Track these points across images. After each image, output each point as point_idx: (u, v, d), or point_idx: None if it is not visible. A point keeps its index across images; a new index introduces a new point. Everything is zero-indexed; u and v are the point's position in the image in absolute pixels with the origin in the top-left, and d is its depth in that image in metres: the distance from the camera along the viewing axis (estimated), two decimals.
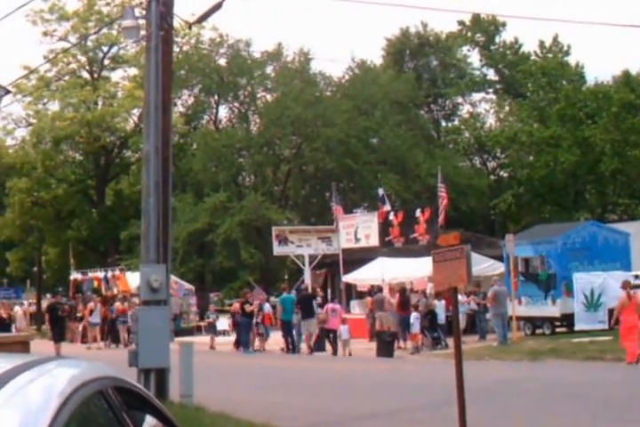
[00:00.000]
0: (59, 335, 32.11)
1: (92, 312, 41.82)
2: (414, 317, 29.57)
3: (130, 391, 3.49)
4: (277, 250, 42.75)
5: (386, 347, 29.10)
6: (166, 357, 12.72)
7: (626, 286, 23.34)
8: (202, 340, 38.44)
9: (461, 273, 8.80)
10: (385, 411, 15.45)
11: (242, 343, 33.27)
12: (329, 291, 50.65)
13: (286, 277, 58.17)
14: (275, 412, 15.32)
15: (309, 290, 37.06)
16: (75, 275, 49.76)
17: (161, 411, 3.86)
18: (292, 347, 32.15)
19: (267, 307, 35.09)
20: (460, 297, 27.79)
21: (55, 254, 61.40)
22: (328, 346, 31.37)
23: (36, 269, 62.69)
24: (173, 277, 46.45)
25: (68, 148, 57.93)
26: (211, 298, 64.34)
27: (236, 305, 35.45)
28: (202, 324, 45.90)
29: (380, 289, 34.19)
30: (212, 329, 37.42)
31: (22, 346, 10.97)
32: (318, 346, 31.65)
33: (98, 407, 2.99)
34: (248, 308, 33.38)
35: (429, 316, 30.01)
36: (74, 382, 2.78)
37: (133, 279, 44.57)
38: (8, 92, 10.91)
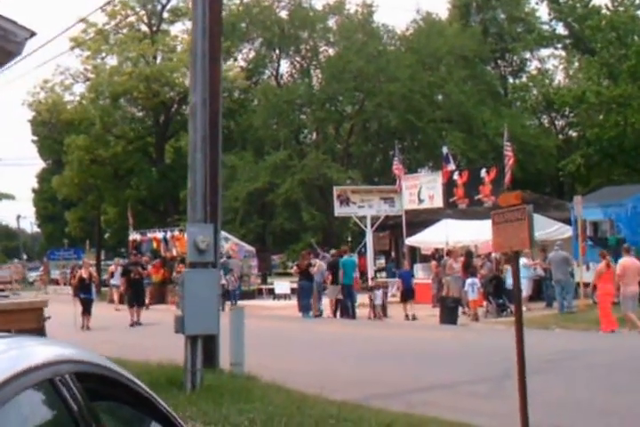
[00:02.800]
0: (134, 299, 31.44)
1: (112, 274, 43.29)
2: (471, 282, 29.09)
3: (104, 378, 3.04)
4: (339, 211, 42.27)
5: (449, 313, 28.69)
6: (214, 323, 12.39)
7: (604, 255, 24.82)
8: (263, 304, 38.52)
9: (523, 236, 8.34)
10: (443, 383, 15.11)
11: (302, 307, 33.00)
12: (392, 254, 50.47)
13: (349, 239, 57.81)
14: (328, 382, 15.06)
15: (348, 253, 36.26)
16: (133, 235, 49.63)
17: (152, 403, 3.29)
18: (351, 312, 31.83)
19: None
20: (524, 261, 27.30)
21: (114, 214, 61.61)
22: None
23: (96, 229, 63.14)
24: (233, 239, 46.70)
25: (127, 104, 57.54)
26: (273, 260, 64.46)
27: (296, 268, 35.17)
28: (263, 287, 45.98)
29: (447, 253, 33.79)
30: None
31: (34, 313, 10.65)
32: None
33: (43, 399, 2.61)
34: (313, 270, 33.06)
35: (494, 281, 29.48)
36: (8, 370, 2.42)
37: None
38: (33, 34, 10.52)
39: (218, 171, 14.37)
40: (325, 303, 33.24)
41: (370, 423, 9.90)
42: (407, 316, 30.29)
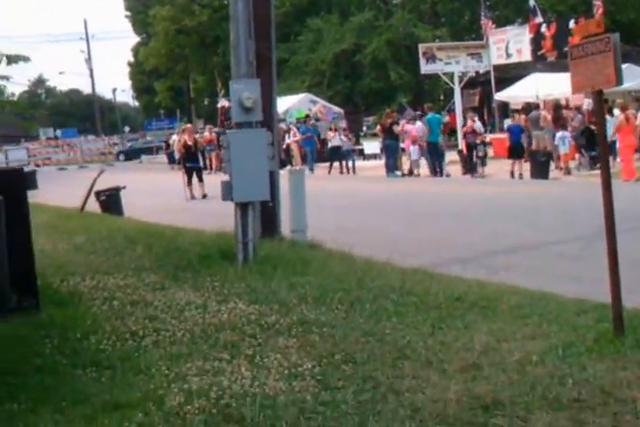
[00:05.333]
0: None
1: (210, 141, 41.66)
2: (561, 135, 26.93)
3: None
4: (425, 68, 40.25)
5: (540, 168, 26.74)
6: (264, 188, 10.73)
7: (624, 108, 24.30)
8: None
9: (608, 71, 6.44)
10: (528, 244, 13.43)
11: (387, 167, 31.32)
12: (485, 110, 48.42)
13: (441, 97, 56.03)
14: (403, 246, 13.66)
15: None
16: (222, 102, 48.30)
17: None
18: (439, 170, 30.06)
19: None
20: (617, 111, 25.06)
21: (203, 82, 60.31)
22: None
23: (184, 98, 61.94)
24: (321, 101, 45.39)
25: None
26: (366, 122, 62.86)
27: (379, 127, 33.36)
28: (354, 147, 44.31)
29: (535, 106, 31.65)
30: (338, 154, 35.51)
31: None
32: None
33: None
34: (396, 129, 31.26)
35: (586, 133, 27.26)
36: None
37: (281, 104, 43.20)
38: None
39: (270, 20, 12.53)
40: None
41: (437, 297, 8.33)
42: (513, 173, 27.64)
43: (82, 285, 9.79)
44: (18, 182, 8.96)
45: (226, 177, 10.90)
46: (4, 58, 11.14)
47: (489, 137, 33.84)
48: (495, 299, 8.22)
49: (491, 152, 31.72)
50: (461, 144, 31.93)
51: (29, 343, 7.15)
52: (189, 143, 26.82)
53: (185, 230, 14.50)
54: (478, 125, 30.82)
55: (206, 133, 42.63)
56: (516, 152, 28.01)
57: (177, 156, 33.49)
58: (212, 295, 8.87)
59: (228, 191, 10.64)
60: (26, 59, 11.50)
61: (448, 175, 29.92)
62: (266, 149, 10.69)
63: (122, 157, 63.81)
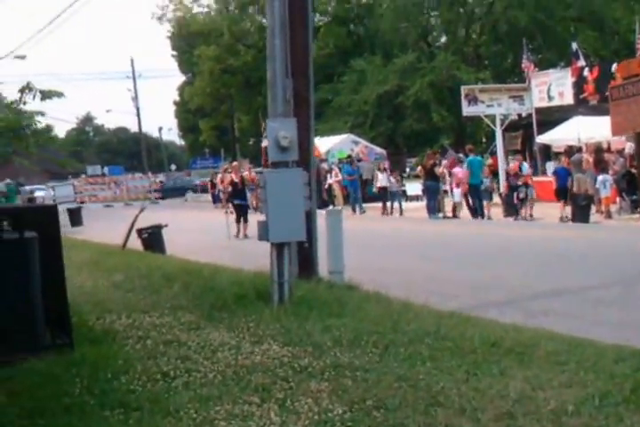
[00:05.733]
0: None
1: (222, 181, 41.69)
2: (602, 179, 26.60)
3: None
4: (467, 110, 40.20)
5: (581, 211, 26.46)
6: (301, 228, 10.58)
7: None
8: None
9: None
10: (568, 288, 13.25)
11: (428, 208, 31.18)
12: (526, 153, 48.21)
13: (483, 139, 55.91)
14: (437, 288, 13.60)
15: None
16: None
17: None
18: (479, 212, 29.84)
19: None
20: None
21: (247, 122, 60.63)
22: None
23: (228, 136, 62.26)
24: (363, 142, 45.39)
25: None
26: (409, 163, 62.86)
27: (421, 169, 33.22)
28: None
29: (578, 150, 31.38)
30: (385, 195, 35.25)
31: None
32: None
33: None
34: (438, 170, 31.17)
35: (627, 177, 26.97)
36: None
37: (323, 144, 43.30)
38: None
39: (308, 58, 12.46)
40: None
41: (472, 342, 8.13)
42: (562, 217, 27.07)
43: (117, 323, 9.71)
44: (52, 219, 8.92)
45: (263, 217, 10.81)
46: (39, 93, 11.18)
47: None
48: (532, 345, 8.02)
49: (533, 195, 31.38)
50: (503, 186, 31.68)
51: (60, 382, 7.05)
52: (236, 180, 26.69)
53: (223, 269, 14.42)
54: (525, 167, 30.52)
55: (246, 173, 42.82)
56: (562, 195, 27.64)
57: (221, 195, 33.51)
58: (247, 336, 8.74)
59: (264, 231, 10.54)
60: (59, 94, 11.55)
61: (489, 218, 29.63)
62: (302, 189, 10.58)
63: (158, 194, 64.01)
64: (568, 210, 27.04)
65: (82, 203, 55.44)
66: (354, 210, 35.70)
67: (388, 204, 34.95)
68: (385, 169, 37.04)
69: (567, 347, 7.98)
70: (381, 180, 35.73)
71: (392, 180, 35.32)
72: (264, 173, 11.11)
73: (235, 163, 35.46)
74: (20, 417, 6.23)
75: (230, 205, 26.63)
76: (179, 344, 8.43)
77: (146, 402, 6.44)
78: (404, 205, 35.93)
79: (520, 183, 28.83)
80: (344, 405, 6.23)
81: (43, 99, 11.49)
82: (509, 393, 6.40)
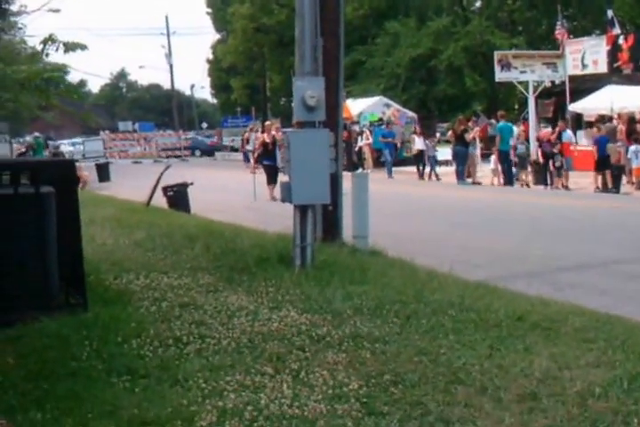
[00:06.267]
0: None
1: (248, 141, 42.53)
2: (634, 149, 25.89)
3: None
4: (500, 76, 39.42)
5: (614, 181, 25.92)
6: (325, 190, 10.22)
7: None
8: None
9: None
10: (596, 260, 12.90)
11: (457, 174, 30.75)
12: (557, 121, 47.54)
13: (516, 106, 55.13)
14: (464, 256, 13.25)
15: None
16: None
17: None
18: (508, 179, 29.36)
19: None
20: None
21: (279, 81, 60.06)
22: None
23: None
24: (395, 105, 44.85)
25: None
26: (440, 128, 62.30)
27: (451, 133, 32.70)
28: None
29: (609, 119, 30.74)
30: (422, 159, 34.61)
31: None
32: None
33: None
34: (468, 136, 30.70)
35: None
36: None
37: (355, 106, 42.83)
38: None
39: (339, 17, 12.06)
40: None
41: (497, 315, 7.82)
42: (599, 187, 26.31)
43: (134, 283, 9.45)
44: (69, 174, 8.62)
45: (286, 178, 10.47)
46: (62, 45, 10.85)
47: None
48: (559, 320, 7.69)
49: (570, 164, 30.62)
50: (533, 153, 31.04)
51: (69, 344, 6.79)
52: (267, 141, 25.87)
53: (246, 231, 14.14)
54: (568, 135, 29.72)
55: (273, 133, 42.47)
56: (603, 164, 26.71)
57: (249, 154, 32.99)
58: (265, 301, 8.45)
59: (287, 193, 10.20)
60: (83, 47, 11.22)
61: (525, 185, 28.98)
62: (327, 151, 10.21)
63: (197, 152, 63.81)
64: (605, 179, 26.34)
65: (112, 158, 55.25)
66: (390, 174, 35.07)
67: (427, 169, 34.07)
68: (423, 132, 36.37)
69: (595, 323, 7.66)
70: (418, 143, 35.08)
71: (428, 144, 34.68)
72: (288, 133, 10.73)
73: (267, 122, 34.79)
74: (26, 380, 5.98)
75: (260, 165, 26.09)
76: (195, 307, 8.16)
77: (155, 369, 6.19)
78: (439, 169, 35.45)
79: (556, 151, 28.15)
80: (360, 379, 5.94)
81: (66, 51, 11.18)
82: (534, 372, 6.10)
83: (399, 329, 7.35)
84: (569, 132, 30.27)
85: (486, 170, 31.19)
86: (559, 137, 28.90)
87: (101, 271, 10.04)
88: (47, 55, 11.70)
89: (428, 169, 33.89)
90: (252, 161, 40.54)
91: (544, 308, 8.27)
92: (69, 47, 11.11)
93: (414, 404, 5.43)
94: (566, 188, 27.56)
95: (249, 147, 42.32)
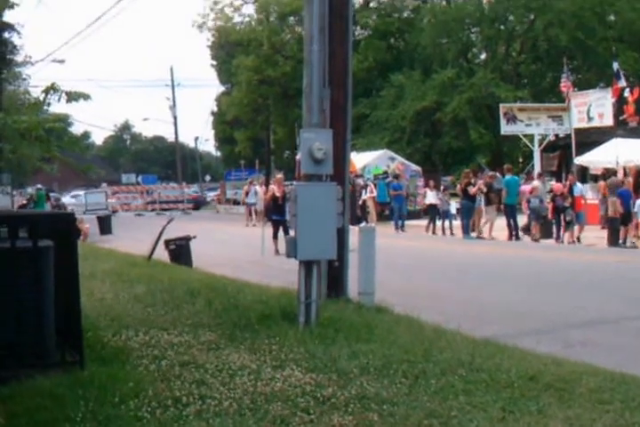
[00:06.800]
0: None
1: (247, 193, 43.64)
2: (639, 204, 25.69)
3: None
4: (506, 129, 39.66)
5: (617, 235, 25.73)
6: (331, 246, 9.98)
7: None
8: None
9: None
10: (607, 317, 12.69)
11: (462, 228, 30.57)
12: (563, 175, 47.53)
13: (520, 159, 55.18)
14: (471, 312, 13.10)
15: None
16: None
17: None
18: (514, 233, 29.16)
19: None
20: None
21: (283, 134, 60.21)
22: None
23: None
24: (399, 159, 44.82)
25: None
26: (445, 181, 62.33)
27: (459, 187, 32.48)
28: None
29: (613, 173, 30.63)
30: (434, 213, 34.21)
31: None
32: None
33: None
34: (471, 189, 30.55)
35: None
36: None
37: (359, 160, 42.75)
38: None
39: (347, 67, 11.95)
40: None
41: (509, 375, 7.58)
42: (625, 242, 25.58)
43: (134, 340, 9.20)
44: (69, 228, 8.43)
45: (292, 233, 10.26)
46: (64, 95, 10.72)
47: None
48: (572, 380, 7.46)
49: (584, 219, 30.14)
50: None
51: (64, 405, 6.54)
52: (278, 195, 24.63)
53: (249, 286, 13.91)
54: (579, 188, 29.43)
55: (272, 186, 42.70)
56: (626, 219, 26.02)
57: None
58: (268, 360, 8.21)
59: (292, 248, 9.98)
60: (86, 96, 11.09)
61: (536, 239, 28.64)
62: (335, 205, 10.03)
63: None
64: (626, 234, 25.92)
65: (114, 211, 55.17)
66: (396, 227, 34.86)
67: (438, 222, 33.55)
68: (435, 186, 36.09)
69: (610, 384, 7.43)
70: (430, 197, 34.72)
71: (442, 197, 34.28)
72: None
73: (278, 175, 34.52)
74: None
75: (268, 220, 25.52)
76: (195, 366, 7.91)
77: None
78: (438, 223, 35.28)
79: (567, 204, 27.88)
80: None
81: (69, 101, 11.06)
82: None
83: (407, 390, 7.12)
84: (579, 185, 29.99)
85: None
86: (570, 191, 28.62)
87: (100, 327, 9.80)
88: (49, 105, 11.61)
89: (439, 223, 33.36)
90: (254, 215, 40.81)
91: (557, 367, 8.03)
92: (72, 97, 11.00)
93: None
94: (578, 240, 27.20)
95: (248, 200, 43.31)
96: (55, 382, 7.19)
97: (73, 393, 6.82)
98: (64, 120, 12.43)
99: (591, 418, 6.30)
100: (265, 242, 23.23)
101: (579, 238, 27.30)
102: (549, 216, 28.54)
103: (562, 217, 27.83)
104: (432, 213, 34.04)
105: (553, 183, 30.91)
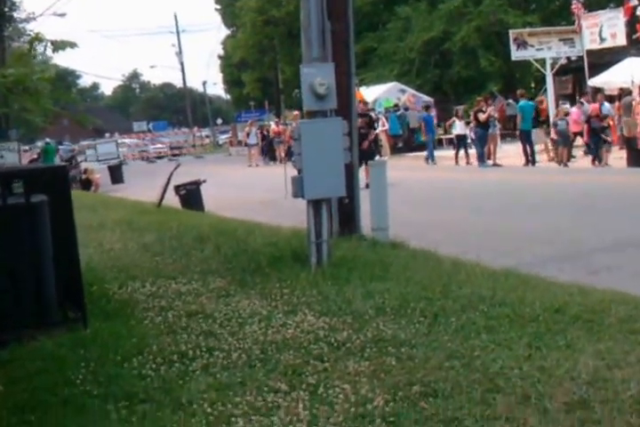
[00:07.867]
0: None
1: (248, 135, 44.27)
2: None
3: None
4: (516, 55, 38.75)
5: (636, 156, 25.15)
6: (339, 183, 9.53)
7: None
8: (441, 154, 35.55)
9: None
10: (631, 240, 12.14)
11: (477, 156, 30.03)
12: (577, 97, 46.75)
13: (532, 85, 54.26)
14: (490, 242, 12.61)
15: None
16: None
17: None
18: (531, 159, 28.61)
19: None
20: None
21: (291, 73, 59.40)
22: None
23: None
24: (410, 90, 44.16)
25: None
26: (455, 110, 61.54)
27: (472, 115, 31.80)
28: (443, 137, 42.84)
29: (628, 92, 29.90)
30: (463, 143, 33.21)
31: None
32: None
33: None
34: (481, 117, 29.94)
35: None
36: None
37: (369, 94, 42.12)
38: None
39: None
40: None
41: (533, 308, 7.16)
42: None
43: (140, 291, 8.82)
44: (62, 180, 8.03)
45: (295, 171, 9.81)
46: (50, 44, 10.26)
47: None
48: (601, 310, 7.03)
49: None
50: (552, 132, 30.07)
51: (64, 367, 6.17)
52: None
53: (260, 228, 13.50)
54: (607, 107, 28.64)
55: (273, 126, 42.66)
56: None
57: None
58: (280, 305, 7.82)
59: (299, 188, 9.52)
60: (72, 45, 10.62)
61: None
62: (341, 140, 9.54)
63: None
64: None
65: (126, 160, 54.86)
66: (431, 159, 34.09)
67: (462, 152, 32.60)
68: (462, 116, 35.14)
69: None
70: (459, 127, 33.57)
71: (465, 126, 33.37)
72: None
73: (295, 112, 33.93)
74: (12, 412, 5.37)
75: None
76: (204, 316, 7.53)
77: (156, 391, 5.55)
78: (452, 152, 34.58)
79: (605, 124, 27.03)
80: (386, 392, 5.28)
81: (55, 50, 10.61)
82: (580, 374, 5.43)
83: (426, 330, 6.71)
84: (607, 104, 29.24)
85: (508, 150, 30.42)
86: (600, 110, 27.81)
87: (106, 280, 9.44)
88: (35, 56, 11.18)
89: (461, 152, 32.46)
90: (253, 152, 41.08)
91: (583, 297, 7.59)
92: (58, 46, 10.53)
93: (448, 421, 4.77)
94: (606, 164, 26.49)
95: (250, 141, 44.07)
96: (57, 342, 6.85)
97: (74, 354, 6.48)
98: (52, 70, 11.90)
99: (623, 351, 5.90)
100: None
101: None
102: (585, 138, 27.86)
103: (601, 138, 26.94)
104: (460, 143, 32.94)
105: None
